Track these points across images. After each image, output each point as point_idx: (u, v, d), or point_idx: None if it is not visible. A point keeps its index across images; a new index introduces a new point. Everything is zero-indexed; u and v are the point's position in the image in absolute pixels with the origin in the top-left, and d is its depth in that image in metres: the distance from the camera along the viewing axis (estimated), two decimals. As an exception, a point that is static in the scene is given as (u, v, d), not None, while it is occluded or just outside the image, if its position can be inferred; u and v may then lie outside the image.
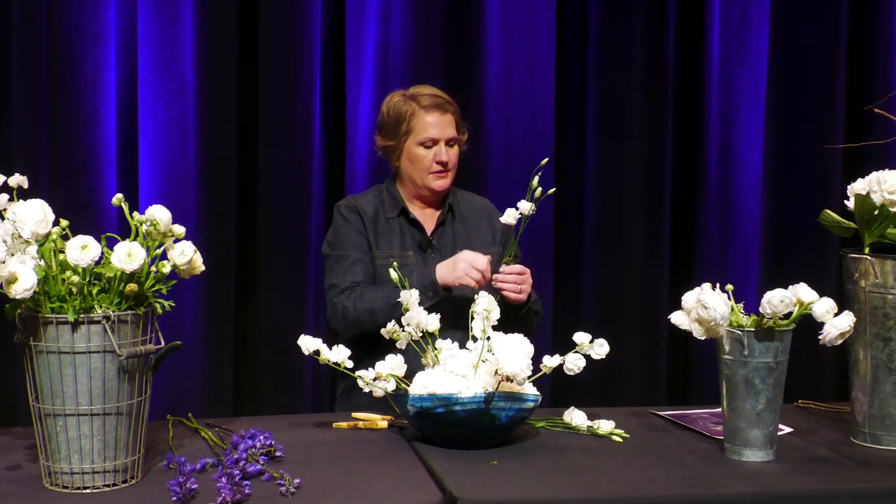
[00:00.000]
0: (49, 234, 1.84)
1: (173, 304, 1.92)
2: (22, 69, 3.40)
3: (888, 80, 3.92)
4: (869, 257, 2.16)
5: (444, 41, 3.76)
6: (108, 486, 1.85)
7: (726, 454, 2.09)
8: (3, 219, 1.88)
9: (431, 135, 2.70)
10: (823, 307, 2.05)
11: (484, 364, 2.16)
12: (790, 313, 2.05)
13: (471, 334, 2.21)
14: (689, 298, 2.08)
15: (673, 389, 4.00)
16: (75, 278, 1.80)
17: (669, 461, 2.07)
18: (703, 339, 2.07)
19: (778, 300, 2.02)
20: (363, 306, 2.58)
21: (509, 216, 2.52)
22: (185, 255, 1.92)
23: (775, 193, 3.98)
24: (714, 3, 3.92)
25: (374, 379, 2.20)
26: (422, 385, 2.14)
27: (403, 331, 2.26)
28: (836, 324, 2.04)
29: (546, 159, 2.60)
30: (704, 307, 2.01)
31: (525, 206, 2.49)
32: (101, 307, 1.82)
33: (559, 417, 2.32)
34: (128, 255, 1.80)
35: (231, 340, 3.62)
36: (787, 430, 2.28)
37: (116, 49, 3.51)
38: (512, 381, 2.09)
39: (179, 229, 1.94)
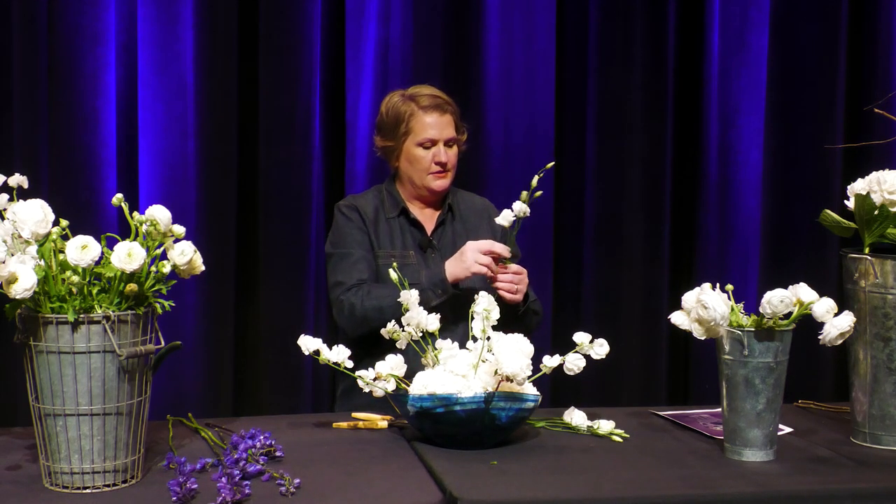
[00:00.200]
0: (49, 234, 1.84)
1: (173, 304, 1.92)
2: (22, 69, 3.40)
3: (888, 80, 3.93)
4: (869, 257, 2.16)
5: (444, 41, 3.76)
6: (108, 486, 1.85)
7: (726, 454, 2.09)
8: (3, 219, 1.88)
9: (430, 135, 2.70)
10: (823, 307, 2.05)
11: (484, 364, 2.16)
12: (790, 313, 2.05)
13: (471, 334, 2.21)
14: (689, 298, 2.08)
15: (673, 389, 4.00)
16: (75, 278, 1.80)
17: (669, 461, 2.07)
18: (703, 339, 2.07)
19: (778, 300, 2.02)
20: (371, 304, 2.58)
21: (504, 218, 2.52)
22: (185, 255, 1.92)
23: (775, 193, 3.98)
24: (714, 3, 3.92)
25: (374, 379, 2.20)
26: (422, 385, 2.14)
27: (403, 331, 2.26)
28: (836, 324, 2.04)
29: (552, 163, 2.61)
30: (704, 307, 2.01)
31: (518, 208, 2.49)
32: (101, 307, 1.82)
33: (559, 417, 2.32)
34: (128, 255, 1.80)
35: (231, 340, 3.62)
36: (787, 430, 2.28)
37: (116, 49, 3.51)
38: (512, 381, 2.09)
39: (179, 229, 1.94)
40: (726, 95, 3.94)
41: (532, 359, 2.13)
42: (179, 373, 3.52)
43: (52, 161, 3.46)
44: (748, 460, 2.06)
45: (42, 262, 1.82)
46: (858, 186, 2.20)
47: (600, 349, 2.18)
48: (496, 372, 2.11)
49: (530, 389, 2.14)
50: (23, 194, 1.97)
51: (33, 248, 1.83)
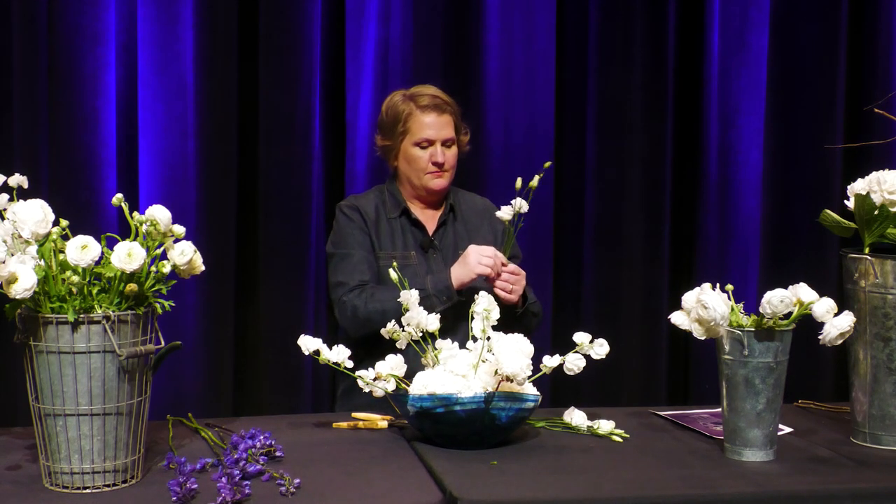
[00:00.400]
0: (49, 234, 1.84)
1: (173, 304, 1.92)
2: (22, 69, 3.40)
3: (888, 80, 3.92)
4: (869, 257, 2.16)
5: (444, 41, 3.75)
6: (108, 486, 1.85)
7: (726, 454, 2.09)
8: (3, 219, 1.88)
9: (427, 135, 2.70)
10: (823, 307, 2.05)
11: (484, 364, 2.16)
12: (790, 313, 2.05)
13: (471, 334, 2.21)
14: (689, 298, 2.08)
15: (673, 389, 4.00)
16: (75, 278, 1.80)
17: (669, 461, 2.07)
18: (703, 339, 2.07)
19: (778, 300, 2.02)
20: (374, 307, 2.58)
21: (504, 212, 2.54)
22: (185, 255, 1.92)
23: (775, 193, 3.98)
24: (714, 3, 3.92)
25: (374, 379, 2.20)
26: (422, 385, 2.14)
27: (403, 331, 2.26)
28: (836, 324, 2.04)
29: (549, 163, 2.62)
30: (704, 307, 2.01)
31: (518, 203, 2.51)
32: (101, 307, 1.82)
33: (559, 417, 2.32)
34: (128, 255, 1.80)
35: (231, 340, 3.62)
36: (787, 430, 2.28)
37: (116, 49, 3.51)
38: (512, 381, 2.09)
39: (179, 229, 1.94)
40: (726, 95, 3.94)
41: (532, 359, 2.13)
42: (179, 373, 3.52)
43: (52, 161, 3.45)
44: (748, 460, 2.06)
45: (42, 262, 1.82)
46: (858, 186, 2.20)
47: (600, 349, 2.18)
48: (496, 372, 2.11)
49: (530, 389, 2.14)
50: (23, 194, 1.97)
51: (33, 248, 1.83)
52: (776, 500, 1.90)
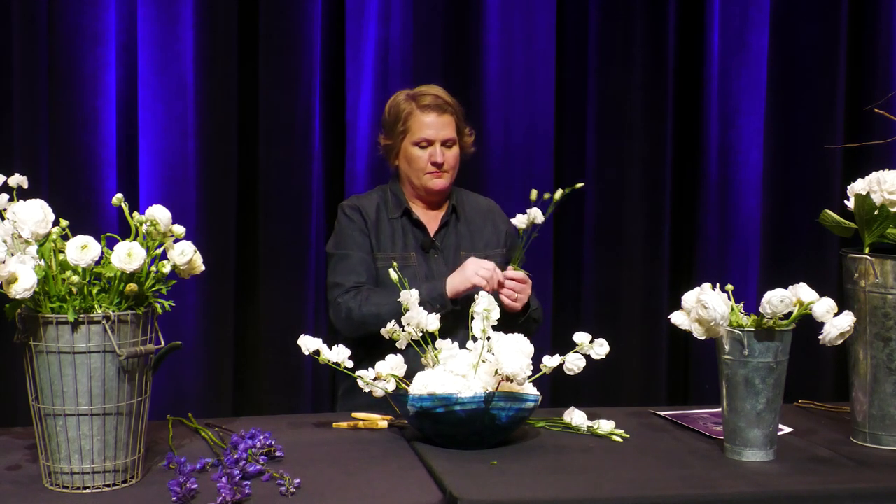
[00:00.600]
0: (49, 234, 1.84)
1: (173, 304, 1.92)
2: (22, 69, 3.40)
3: (888, 80, 3.93)
4: (869, 257, 2.16)
5: (444, 41, 3.76)
6: (108, 486, 1.85)
7: (726, 454, 2.09)
8: (3, 219, 1.88)
9: (426, 135, 2.70)
10: (823, 307, 2.05)
11: (484, 364, 2.16)
12: (790, 313, 2.05)
13: (471, 334, 2.21)
14: (689, 298, 2.08)
15: (673, 389, 4.00)
16: (75, 278, 1.80)
17: (669, 461, 2.07)
18: (703, 339, 2.06)
19: (778, 300, 2.02)
20: (369, 310, 2.58)
21: (519, 220, 2.53)
22: (185, 255, 1.92)
23: (775, 193, 3.98)
24: (714, 3, 3.92)
25: (374, 379, 2.20)
26: (422, 385, 2.14)
27: (403, 331, 2.26)
28: (836, 324, 2.04)
29: (581, 184, 2.62)
30: (704, 307, 2.01)
31: (533, 213, 2.50)
32: (101, 307, 1.82)
33: (559, 417, 2.32)
34: (128, 255, 1.80)
35: (231, 340, 3.62)
36: (787, 430, 2.28)
37: (116, 49, 3.51)
38: (512, 381, 2.09)
39: (179, 229, 1.94)
40: (726, 95, 3.94)
41: (532, 359, 2.13)
42: (179, 373, 3.52)
43: (52, 161, 3.46)
44: (748, 460, 2.06)
45: (42, 262, 1.82)
46: (858, 186, 2.20)
47: (600, 349, 2.18)
48: (496, 372, 2.11)
49: (530, 389, 2.14)
50: (23, 194, 1.97)
51: (33, 248, 1.83)
52: (776, 500, 1.90)
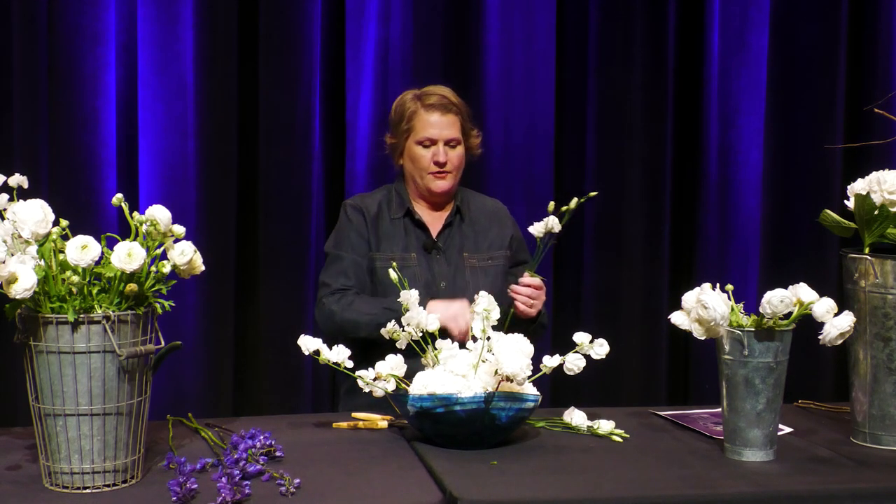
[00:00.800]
0: (49, 234, 1.84)
1: (173, 304, 1.92)
2: (22, 69, 3.40)
3: (888, 80, 3.93)
4: (869, 257, 2.16)
5: (444, 41, 3.76)
6: (108, 486, 1.85)
7: (726, 454, 2.09)
8: (3, 219, 1.88)
9: (430, 135, 2.70)
10: (823, 307, 2.04)
11: (484, 364, 2.16)
12: (790, 313, 2.05)
13: (470, 334, 2.21)
14: (689, 298, 2.08)
15: (673, 389, 4.00)
16: (75, 278, 1.80)
17: (669, 461, 2.07)
18: (703, 339, 2.06)
19: (778, 300, 2.02)
20: (349, 316, 2.58)
21: (536, 228, 2.49)
22: (185, 255, 1.92)
23: (775, 193, 3.98)
24: (714, 3, 3.92)
25: (374, 379, 2.20)
26: (422, 385, 2.14)
27: (403, 331, 2.26)
28: (836, 324, 2.04)
29: (595, 193, 2.58)
30: (704, 307, 2.01)
31: (550, 222, 2.47)
32: (101, 307, 1.82)
33: (559, 417, 2.32)
34: (128, 255, 1.80)
35: (231, 340, 3.62)
36: (787, 430, 2.28)
37: (116, 49, 3.51)
38: (512, 381, 2.09)
39: (179, 229, 1.94)
40: (726, 95, 3.94)
41: (532, 359, 2.13)
42: (179, 373, 3.52)
43: (52, 161, 3.46)
44: (748, 460, 2.06)
45: (42, 262, 1.82)
46: (858, 186, 2.20)
47: (600, 349, 2.18)
48: (496, 372, 2.11)
49: (530, 389, 2.14)
50: (23, 194, 1.97)
51: (33, 248, 1.83)
52: (776, 500, 1.90)
